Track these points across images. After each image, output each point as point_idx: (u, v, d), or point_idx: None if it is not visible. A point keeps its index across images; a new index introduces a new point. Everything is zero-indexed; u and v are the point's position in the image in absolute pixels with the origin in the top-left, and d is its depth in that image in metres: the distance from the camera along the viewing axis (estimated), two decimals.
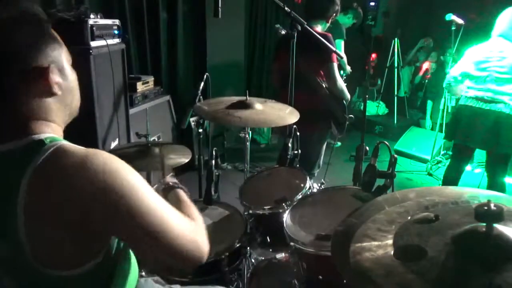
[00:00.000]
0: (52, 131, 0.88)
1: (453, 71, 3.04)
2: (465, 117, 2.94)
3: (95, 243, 0.84)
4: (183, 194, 1.14)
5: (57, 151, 0.81)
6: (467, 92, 2.94)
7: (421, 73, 5.97)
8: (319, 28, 2.64)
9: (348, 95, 2.67)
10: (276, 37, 5.17)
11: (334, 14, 2.70)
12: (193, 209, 1.03)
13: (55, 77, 0.87)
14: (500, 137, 2.76)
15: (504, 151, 2.83)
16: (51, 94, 0.87)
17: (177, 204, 1.03)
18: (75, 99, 0.96)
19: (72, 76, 0.94)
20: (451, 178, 3.21)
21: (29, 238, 0.77)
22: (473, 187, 2.92)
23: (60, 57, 0.90)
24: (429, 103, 5.57)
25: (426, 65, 5.87)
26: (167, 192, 1.15)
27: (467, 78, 2.94)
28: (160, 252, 0.86)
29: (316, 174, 2.83)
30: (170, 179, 1.22)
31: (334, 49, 2.31)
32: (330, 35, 2.47)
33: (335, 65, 2.53)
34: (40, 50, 0.85)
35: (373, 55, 5.96)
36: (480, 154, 3.93)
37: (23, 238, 0.77)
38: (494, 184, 2.92)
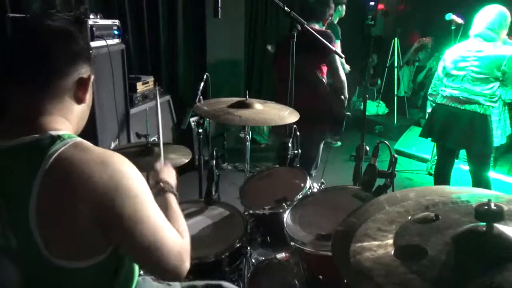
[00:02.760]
0: (69, 131, 0.92)
1: (438, 74, 3.01)
2: (441, 117, 2.93)
3: (99, 238, 0.85)
4: (173, 201, 1.12)
5: (77, 145, 0.85)
6: (443, 91, 2.91)
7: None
8: (316, 27, 2.65)
9: (346, 92, 2.69)
10: (276, 36, 5.20)
11: (330, 18, 2.81)
12: (181, 221, 1.05)
13: (89, 88, 0.95)
14: (475, 138, 2.76)
15: (480, 151, 2.82)
16: (81, 102, 0.95)
17: (167, 212, 1.03)
18: (87, 114, 1.02)
19: (91, 91, 0.99)
20: (439, 173, 3.22)
21: (40, 227, 0.79)
22: (469, 185, 2.95)
23: (93, 71, 0.97)
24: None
25: (429, 65, 5.85)
26: (158, 194, 1.12)
27: (445, 77, 2.92)
28: (145, 260, 0.90)
29: (313, 174, 2.83)
30: (165, 177, 1.20)
31: (334, 48, 2.31)
32: (329, 31, 2.49)
33: (336, 56, 2.54)
34: (82, 62, 0.93)
35: None
36: None
37: (34, 227, 0.79)
38: (478, 180, 2.91)
